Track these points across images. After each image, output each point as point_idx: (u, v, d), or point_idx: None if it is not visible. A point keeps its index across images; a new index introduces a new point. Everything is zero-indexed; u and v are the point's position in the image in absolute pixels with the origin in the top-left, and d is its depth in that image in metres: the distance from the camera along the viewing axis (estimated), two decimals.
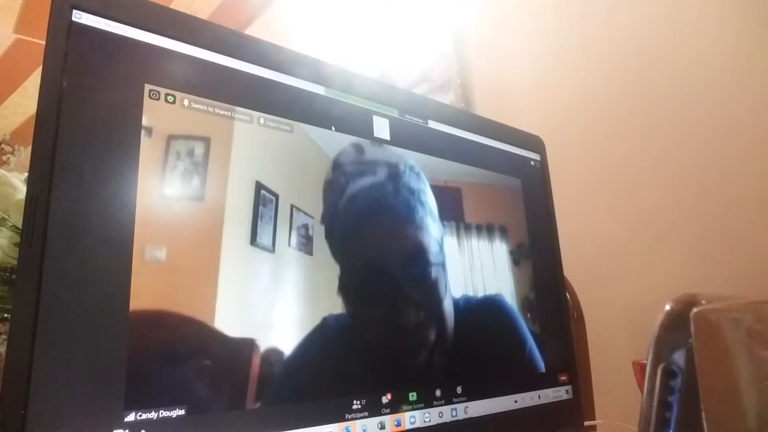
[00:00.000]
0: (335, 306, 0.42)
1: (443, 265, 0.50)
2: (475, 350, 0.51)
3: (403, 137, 0.51)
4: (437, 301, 0.48)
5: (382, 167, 0.48)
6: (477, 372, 0.50)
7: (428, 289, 0.48)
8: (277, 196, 0.41)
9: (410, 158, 0.50)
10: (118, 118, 0.34)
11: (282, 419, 0.37)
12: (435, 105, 0.57)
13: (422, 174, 0.51)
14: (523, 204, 0.61)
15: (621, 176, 1.06)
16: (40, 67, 0.32)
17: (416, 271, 0.48)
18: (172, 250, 0.35)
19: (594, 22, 1.14)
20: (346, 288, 0.42)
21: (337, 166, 0.45)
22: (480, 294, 0.53)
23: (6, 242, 0.53)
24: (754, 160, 0.89)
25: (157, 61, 0.37)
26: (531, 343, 0.56)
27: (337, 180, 0.44)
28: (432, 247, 0.49)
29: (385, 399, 0.43)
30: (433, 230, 0.50)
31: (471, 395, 0.49)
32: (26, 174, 0.32)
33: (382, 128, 0.50)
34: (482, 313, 0.53)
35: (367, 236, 0.46)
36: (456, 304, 0.50)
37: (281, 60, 0.44)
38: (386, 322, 0.45)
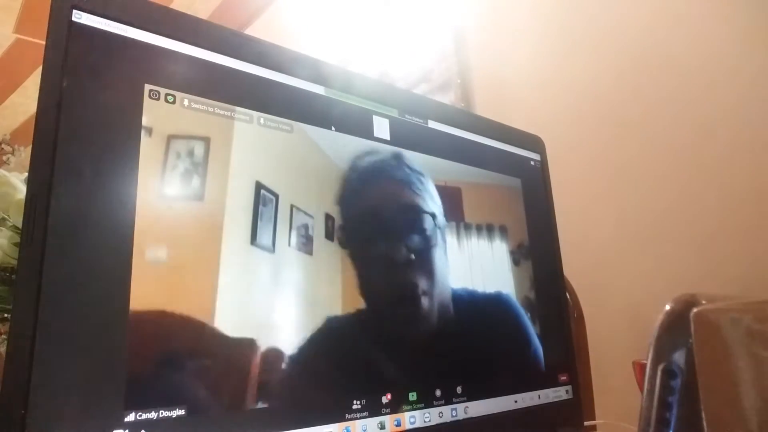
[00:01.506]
0: (335, 306, 0.42)
1: (447, 265, 0.50)
2: (476, 349, 0.51)
3: (403, 137, 0.51)
4: (441, 301, 0.48)
5: (393, 182, 0.49)
6: (477, 372, 0.50)
7: (432, 289, 0.48)
8: (277, 196, 0.41)
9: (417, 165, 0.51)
10: (118, 118, 0.34)
11: (282, 419, 0.37)
12: (435, 105, 0.57)
13: (425, 176, 0.51)
14: (523, 204, 0.61)
15: (621, 176, 1.06)
16: (40, 67, 0.32)
17: (420, 270, 0.48)
18: (172, 250, 0.35)
19: (594, 22, 1.14)
20: (363, 283, 0.44)
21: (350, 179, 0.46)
22: (479, 293, 0.53)
23: (6, 242, 0.53)
24: (754, 160, 0.89)
25: (157, 61, 0.37)
26: (535, 343, 0.56)
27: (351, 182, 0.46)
28: (437, 249, 0.49)
29: (385, 399, 0.43)
30: (429, 207, 0.50)
31: (471, 395, 0.49)
32: (26, 174, 0.32)
33: (382, 128, 0.50)
34: (487, 310, 0.53)
35: (379, 235, 0.47)
36: (460, 300, 0.50)
37: (281, 60, 0.44)
38: (387, 323, 0.45)
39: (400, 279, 0.47)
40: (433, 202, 0.51)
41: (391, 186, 0.48)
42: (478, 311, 0.52)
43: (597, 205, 1.09)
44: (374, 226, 0.46)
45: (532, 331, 0.57)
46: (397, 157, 0.49)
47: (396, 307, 0.46)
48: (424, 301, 0.47)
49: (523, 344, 0.56)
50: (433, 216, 0.50)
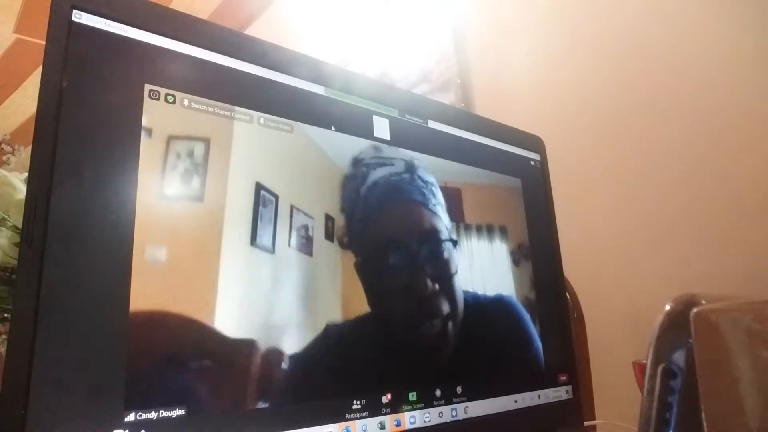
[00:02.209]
0: (335, 307, 0.42)
1: (456, 265, 0.50)
2: (476, 350, 0.51)
3: (403, 137, 0.51)
4: (448, 300, 0.49)
5: (403, 192, 0.49)
6: (477, 372, 0.50)
7: (439, 288, 0.48)
8: (277, 197, 0.41)
9: (426, 174, 0.51)
10: (118, 118, 0.34)
11: (282, 419, 0.37)
12: (435, 105, 0.57)
13: (436, 185, 0.51)
14: (523, 204, 0.61)
15: (621, 176, 1.06)
16: (40, 67, 0.32)
17: (429, 269, 0.48)
18: (172, 250, 0.35)
19: (594, 22, 1.14)
20: (370, 290, 0.44)
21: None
22: (481, 294, 0.53)
23: (6, 242, 0.53)
24: (753, 159, 0.89)
25: (157, 61, 0.37)
26: (535, 343, 0.56)
27: (356, 182, 0.46)
28: (448, 263, 0.50)
29: (385, 399, 0.43)
30: (447, 230, 0.50)
31: (471, 395, 0.49)
32: (26, 174, 0.32)
33: (382, 128, 0.50)
34: (488, 311, 0.53)
35: (385, 231, 0.47)
36: (464, 302, 0.50)
37: (281, 60, 0.44)
38: (388, 324, 0.45)
39: (406, 286, 0.47)
40: (446, 215, 0.51)
41: (409, 208, 0.49)
42: (478, 313, 0.52)
43: (597, 206, 1.09)
44: (390, 246, 0.47)
45: (533, 331, 0.57)
46: (410, 169, 0.49)
47: (398, 311, 0.46)
48: (427, 307, 0.47)
49: (524, 345, 0.56)
50: (449, 234, 0.51)
